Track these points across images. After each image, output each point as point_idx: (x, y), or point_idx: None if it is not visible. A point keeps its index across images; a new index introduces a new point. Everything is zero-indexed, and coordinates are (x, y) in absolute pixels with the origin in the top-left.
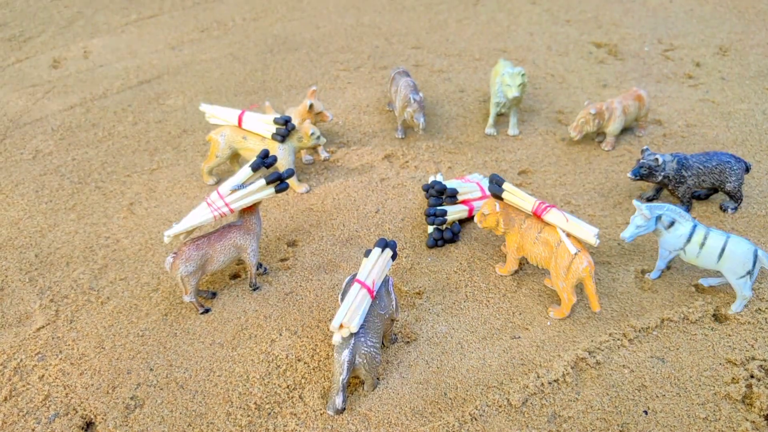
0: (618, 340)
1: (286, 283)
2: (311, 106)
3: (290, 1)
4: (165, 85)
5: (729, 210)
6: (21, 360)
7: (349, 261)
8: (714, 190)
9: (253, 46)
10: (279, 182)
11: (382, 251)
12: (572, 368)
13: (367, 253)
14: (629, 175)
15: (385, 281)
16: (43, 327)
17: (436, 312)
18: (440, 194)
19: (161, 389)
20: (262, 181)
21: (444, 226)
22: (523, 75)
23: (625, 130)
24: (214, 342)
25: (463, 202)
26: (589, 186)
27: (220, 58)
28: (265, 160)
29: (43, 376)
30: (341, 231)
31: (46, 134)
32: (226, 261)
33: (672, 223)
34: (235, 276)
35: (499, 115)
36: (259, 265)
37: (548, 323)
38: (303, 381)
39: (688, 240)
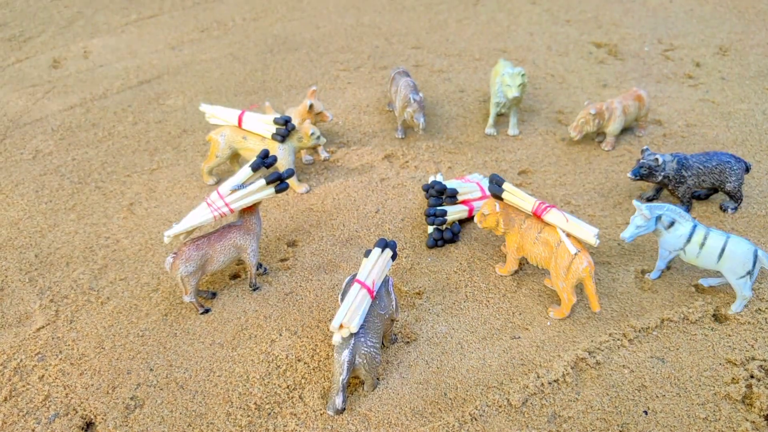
0: (618, 340)
1: (286, 283)
2: (311, 106)
3: (290, 1)
4: (165, 85)
5: (729, 210)
6: (21, 360)
7: (349, 261)
8: (714, 190)
9: (253, 46)
10: (279, 182)
11: (382, 251)
12: (572, 368)
13: (367, 254)
14: (629, 175)
15: (385, 281)
16: (43, 327)
17: (436, 312)
18: (440, 194)
19: (161, 389)
20: (262, 181)
21: (444, 226)
22: (523, 75)
23: (625, 130)
24: (214, 342)
25: (463, 202)
26: (589, 186)
27: (220, 58)
28: (265, 160)
29: (43, 376)
30: (341, 231)
31: (46, 134)
32: (226, 261)
33: (672, 223)
34: (235, 276)
35: (499, 115)
36: (259, 266)
37: (548, 323)
38: (303, 381)
39: (688, 240)
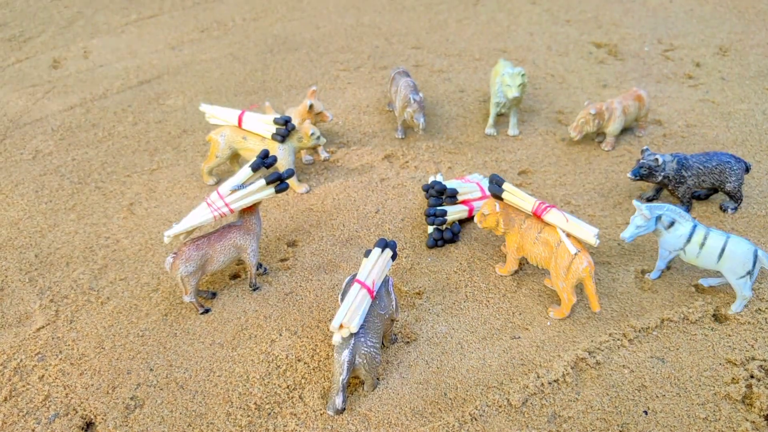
0: (618, 340)
1: (286, 283)
2: (311, 106)
3: (290, 1)
4: (165, 85)
5: (729, 210)
6: (21, 360)
7: (349, 261)
8: (714, 190)
9: (253, 46)
10: (279, 182)
11: (382, 251)
12: (572, 368)
13: (367, 254)
14: (629, 175)
15: (385, 281)
16: (43, 327)
17: (436, 312)
18: (440, 194)
19: (161, 389)
20: (262, 182)
21: (444, 227)
22: (523, 75)
23: (625, 130)
24: (214, 342)
25: (463, 202)
26: (589, 186)
27: (220, 58)
28: (265, 161)
29: (43, 376)
30: (341, 231)
31: (46, 134)
32: (226, 261)
33: (672, 224)
34: (235, 276)
35: (499, 115)
36: (259, 266)
37: (548, 323)
38: (303, 381)
39: (688, 240)
